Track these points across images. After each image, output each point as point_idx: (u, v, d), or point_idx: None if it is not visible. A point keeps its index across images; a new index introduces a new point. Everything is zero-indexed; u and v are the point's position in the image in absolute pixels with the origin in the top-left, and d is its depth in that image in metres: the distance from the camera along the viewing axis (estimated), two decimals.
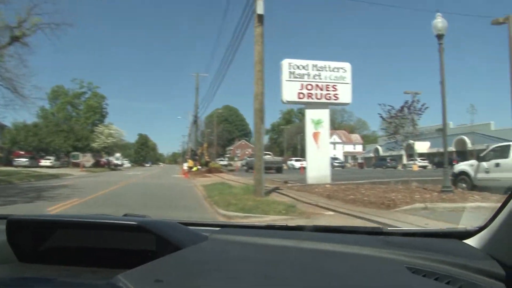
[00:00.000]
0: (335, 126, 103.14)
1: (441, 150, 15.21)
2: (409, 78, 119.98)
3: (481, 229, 1.38)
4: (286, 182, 19.41)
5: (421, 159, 52.20)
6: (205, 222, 2.16)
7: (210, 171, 38.42)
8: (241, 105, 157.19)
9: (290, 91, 18.22)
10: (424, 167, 48.83)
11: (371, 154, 74.54)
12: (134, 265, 1.16)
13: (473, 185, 14.47)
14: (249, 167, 37.07)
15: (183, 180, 28.75)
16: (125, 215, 1.77)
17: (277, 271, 1.19)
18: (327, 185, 16.06)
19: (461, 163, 16.81)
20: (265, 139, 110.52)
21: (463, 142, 51.77)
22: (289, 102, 18.78)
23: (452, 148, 48.14)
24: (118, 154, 77.02)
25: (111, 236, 1.42)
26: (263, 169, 13.41)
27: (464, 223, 2.17)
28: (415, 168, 42.07)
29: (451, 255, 1.27)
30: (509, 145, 14.07)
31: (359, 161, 77.55)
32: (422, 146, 53.68)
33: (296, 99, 18.53)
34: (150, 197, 15.42)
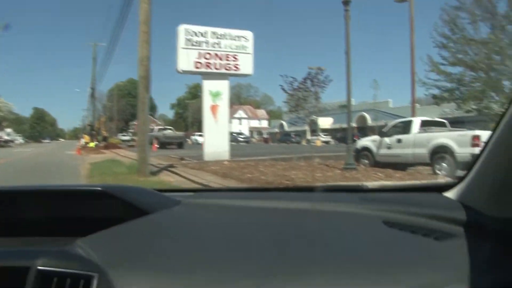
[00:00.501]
0: (240, 101, 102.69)
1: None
2: (316, 53, 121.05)
3: (460, 180, 1.30)
4: (182, 159, 17.66)
5: (324, 135, 53.22)
6: (182, 188, 1.21)
7: (107, 147, 36.27)
8: None
9: (186, 60, 16.36)
10: (327, 142, 49.79)
11: (276, 130, 75.08)
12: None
13: (375, 161, 13.98)
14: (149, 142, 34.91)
15: (74, 157, 26.02)
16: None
17: (250, 234, 1.17)
18: (225, 162, 14.65)
19: (364, 139, 16.29)
20: (170, 114, 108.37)
21: (363, 119, 53.55)
22: (185, 72, 16.91)
23: (353, 125, 49.49)
24: (9, 130, 69.91)
25: (74, 205, 1.37)
26: (148, 145, 11.71)
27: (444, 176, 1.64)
28: (318, 143, 42.62)
29: (429, 208, 1.25)
30: (411, 121, 13.68)
31: (265, 136, 77.80)
32: (325, 122, 55.19)
33: (193, 69, 16.68)
34: (22, 175, 13.59)
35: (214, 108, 16.54)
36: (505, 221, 1.02)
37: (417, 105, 46.01)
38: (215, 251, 1.05)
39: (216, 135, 16.44)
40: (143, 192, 1.44)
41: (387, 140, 13.79)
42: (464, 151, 11.50)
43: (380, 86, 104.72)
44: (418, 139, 12.87)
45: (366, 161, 14.35)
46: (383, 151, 13.88)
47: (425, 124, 13.46)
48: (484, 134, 11.95)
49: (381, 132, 14.81)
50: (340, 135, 46.19)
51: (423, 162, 12.60)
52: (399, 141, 13.39)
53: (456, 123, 24.93)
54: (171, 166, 14.57)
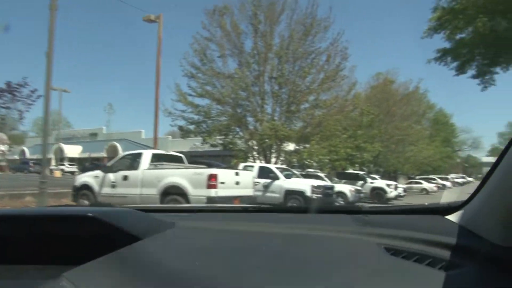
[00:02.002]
0: None
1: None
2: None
3: (464, 203, 1.26)
4: None
5: (69, 164, 47.45)
6: (173, 207, 1.96)
7: None
8: None
9: None
10: (72, 172, 44.27)
11: (16, 156, 64.60)
12: (88, 260, 1.04)
13: (98, 203, 10.79)
14: None
15: None
16: (91, 205, 1.67)
17: (248, 259, 1.12)
18: None
19: (84, 174, 12.92)
20: None
21: (115, 148, 49.88)
22: None
23: (104, 154, 45.55)
24: None
25: (64, 229, 1.27)
26: None
27: (446, 199, 0.87)
28: (57, 174, 37.55)
29: (432, 233, 1.17)
30: (140, 154, 11.10)
31: (1, 163, 65.95)
32: (73, 150, 49.99)
33: None
34: None
35: None
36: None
37: (169, 137, 45.14)
38: (210, 278, 1.00)
39: None
40: (135, 215, 1.36)
41: (111, 176, 10.88)
42: (198, 193, 9.48)
43: (133, 116, 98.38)
44: (147, 177, 10.37)
45: (86, 202, 11.11)
46: (107, 189, 10.86)
47: (157, 158, 11.07)
48: (226, 172, 10.34)
49: (106, 166, 11.86)
50: (88, 165, 41.60)
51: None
52: (125, 178, 10.64)
53: (211, 156, 24.34)
54: None
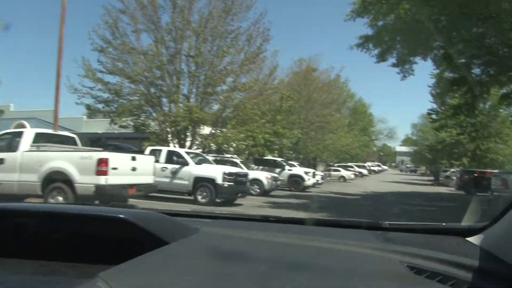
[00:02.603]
0: None
1: None
2: None
3: (485, 227, 1.31)
4: None
5: None
6: (195, 212, 2.05)
7: None
8: None
9: None
10: None
11: None
12: (118, 259, 1.06)
13: None
14: None
15: None
16: (111, 205, 1.66)
17: (271, 269, 1.12)
18: None
19: None
20: None
21: (23, 127, 45.70)
22: None
23: None
24: None
25: (94, 228, 1.33)
26: None
27: (467, 221, 1.65)
28: None
29: (455, 254, 1.19)
30: (20, 132, 9.52)
31: None
32: None
33: None
34: None
35: None
36: None
37: (84, 117, 41.94)
38: (232, 285, 1.02)
39: None
40: (163, 220, 1.41)
41: None
42: (85, 181, 8.19)
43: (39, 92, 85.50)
44: (26, 160, 8.84)
45: None
46: None
47: (42, 139, 9.52)
48: (119, 157, 9.07)
49: None
50: None
51: (34, 193, 8.61)
52: (1, 161, 9.07)
53: (128, 139, 22.50)
54: None
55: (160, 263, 1.09)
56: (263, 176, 17.63)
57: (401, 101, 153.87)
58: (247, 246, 1.33)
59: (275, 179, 18.48)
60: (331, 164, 42.98)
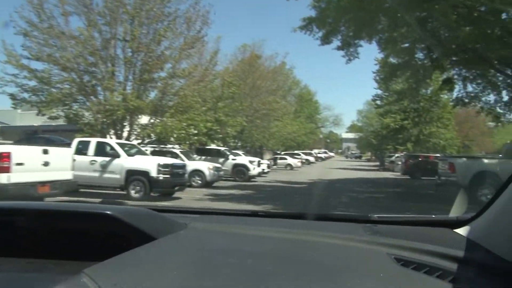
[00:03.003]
0: None
1: None
2: None
3: (473, 218, 1.33)
4: None
5: None
6: (184, 208, 2.01)
7: None
8: None
9: None
10: None
11: None
12: (104, 256, 1.04)
13: None
14: None
15: None
16: (101, 202, 1.69)
17: (259, 264, 1.11)
18: None
19: None
20: None
21: None
22: None
23: None
24: None
25: (82, 225, 1.31)
26: None
27: (455, 212, 1.71)
28: None
29: (442, 245, 1.20)
30: None
31: None
32: None
33: None
34: None
35: None
36: None
37: (18, 110, 39.31)
38: (220, 280, 1.00)
39: None
40: (151, 216, 1.38)
41: None
42: None
43: None
44: None
45: None
46: None
47: None
48: (26, 150, 8.01)
49: None
50: None
51: None
52: None
53: (66, 131, 20.79)
54: None
55: (147, 258, 1.08)
56: (205, 166, 16.93)
57: (347, 88, 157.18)
58: (236, 241, 1.32)
59: (217, 169, 17.81)
60: (278, 152, 42.84)
